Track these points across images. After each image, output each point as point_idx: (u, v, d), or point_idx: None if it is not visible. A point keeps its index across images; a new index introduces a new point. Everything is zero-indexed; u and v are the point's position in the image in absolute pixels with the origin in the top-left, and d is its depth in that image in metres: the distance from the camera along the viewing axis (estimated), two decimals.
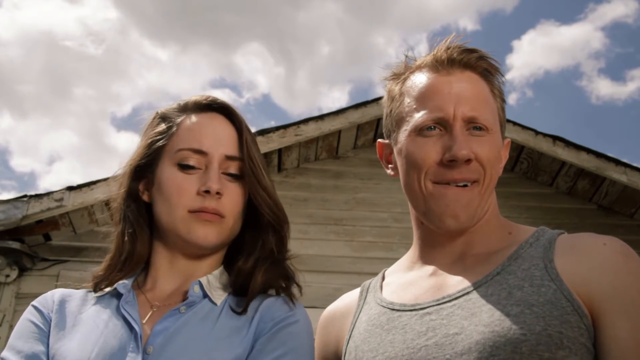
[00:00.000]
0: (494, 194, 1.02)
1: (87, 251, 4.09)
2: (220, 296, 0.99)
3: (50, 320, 0.99)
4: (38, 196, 3.93)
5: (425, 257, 1.03)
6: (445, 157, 0.93)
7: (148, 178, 1.04)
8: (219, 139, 1.01)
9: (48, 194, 3.95)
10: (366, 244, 4.31)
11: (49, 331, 0.98)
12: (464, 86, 0.97)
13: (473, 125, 0.95)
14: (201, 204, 0.97)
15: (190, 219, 0.98)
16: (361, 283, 1.14)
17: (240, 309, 0.97)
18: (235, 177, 1.02)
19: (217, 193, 0.98)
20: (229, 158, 1.01)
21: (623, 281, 0.84)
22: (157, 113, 1.08)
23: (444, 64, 0.99)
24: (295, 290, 1.05)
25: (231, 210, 1.00)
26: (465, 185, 0.94)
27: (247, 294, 0.99)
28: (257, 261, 1.02)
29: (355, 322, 1.02)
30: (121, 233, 1.04)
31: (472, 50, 1.00)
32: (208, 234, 0.98)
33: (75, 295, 1.05)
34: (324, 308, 1.14)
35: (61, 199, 3.93)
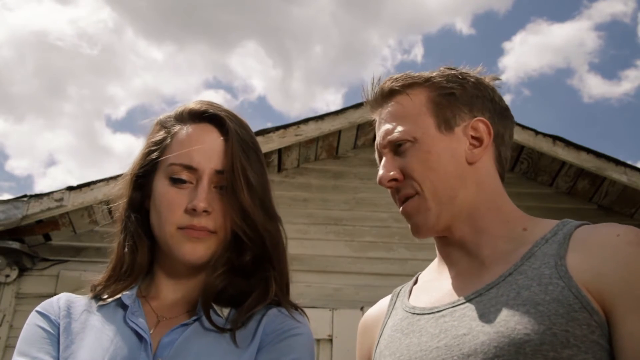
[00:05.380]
0: (483, 190, 0.99)
1: (87, 251, 4.09)
2: (224, 309, 0.98)
3: (59, 326, 0.99)
4: (38, 196, 3.93)
5: (445, 258, 1.04)
6: (381, 183, 1.02)
7: (147, 187, 1.04)
8: (209, 153, 0.99)
9: (48, 194, 3.95)
10: (366, 244, 4.30)
11: (58, 336, 0.97)
12: (383, 118, 1.05)
13: (396, 148, 1.00)
14: (189, 221, 0.96)
15: (179, 235, 0.97)
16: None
17: (231, 326, 0.95)
18: (226, 190, 1.00)
19: (205, 211, 0.96)
20: (219, 172, 0.99)
21: (636, 273, 0.81)
22: (157, 120, 1.08)
23: (374, 109, 1.09)
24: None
25: (222, 225, 0.99)
26: (407, 199, 1.00)
27: (243, 309, 0.98)
28: (224, 273, 1.00)
29: (384, 329, 1.03)
30: (121, 245, 1.04)
31: (382, 89, 1.06)
32: (196, 250, 0.97)
33: (79, 301, 1.04)
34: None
35: (61, 199, 3.93)
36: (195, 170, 0.98)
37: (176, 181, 0.99)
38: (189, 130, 1.02)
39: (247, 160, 1.01)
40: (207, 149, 1.00)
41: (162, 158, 1.02)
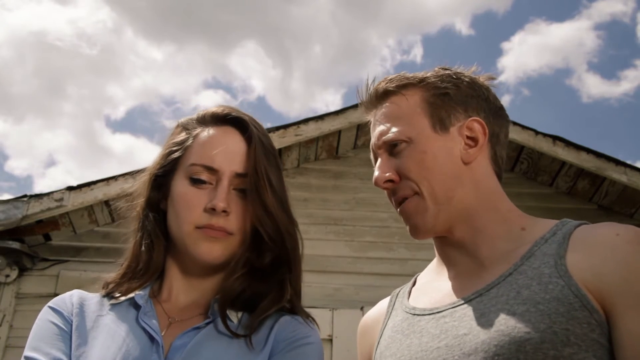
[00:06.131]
0: (479, 190, 0.99)
1: (87, 251, 4.09)
2: (237, 313, 0.98)
3: (72, 322, 0.99)
4: (38, 196, 3.94)
5: (444, 259, 1.04)
6: (377, 184, 1.02)
7: (166, 187, 1.04)
8: (230, 155, 1.00)
9: (48, 194, 3.95)
10: (366, 244, 4.31)
11: (71, 333, 0.97)
12: (378, 119, 1.05)
13: (391, 148, 1.00)
14: (208, 221, 0.97)
15: (196, 234, 0.97)
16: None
17: (244, 331, 0.95)
18: (245, 193, 1.01)
19: (224, 211, 0.97)
20: (239, 175, 1.00)
21: (635, 272, 0.81)
22: (178, 123, 1.09)
23: (369, 110, 1.08)
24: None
25: (240, 227, 0.99)
26: (405, 199, 0.99)
27: (257, 312, 0.98)
28: (242, 275, 1.00)
29: (383, 330, 1.03)
30: (138, 243, 1.04)
31: (376, 90, 1.06)
32: (213, 250, 0.97)
33: (92, 299, 1.04)
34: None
35: (61, 199, 3.93)
36: (216, 171, 0.99)
37: (196, 181, 0.99)
38: (210, 132, 1.03)
39: (269, 163, 1.02)
40: (228, 151, 1.01)
41: (183, 158, 1.02)
